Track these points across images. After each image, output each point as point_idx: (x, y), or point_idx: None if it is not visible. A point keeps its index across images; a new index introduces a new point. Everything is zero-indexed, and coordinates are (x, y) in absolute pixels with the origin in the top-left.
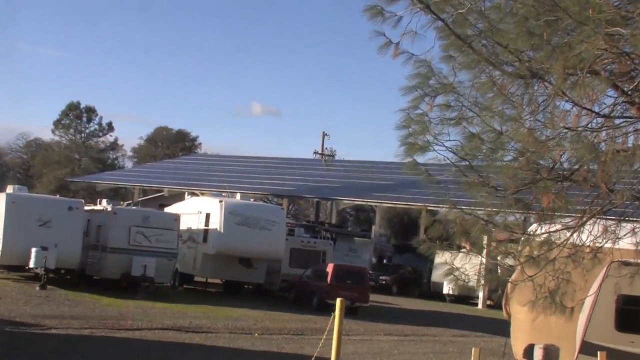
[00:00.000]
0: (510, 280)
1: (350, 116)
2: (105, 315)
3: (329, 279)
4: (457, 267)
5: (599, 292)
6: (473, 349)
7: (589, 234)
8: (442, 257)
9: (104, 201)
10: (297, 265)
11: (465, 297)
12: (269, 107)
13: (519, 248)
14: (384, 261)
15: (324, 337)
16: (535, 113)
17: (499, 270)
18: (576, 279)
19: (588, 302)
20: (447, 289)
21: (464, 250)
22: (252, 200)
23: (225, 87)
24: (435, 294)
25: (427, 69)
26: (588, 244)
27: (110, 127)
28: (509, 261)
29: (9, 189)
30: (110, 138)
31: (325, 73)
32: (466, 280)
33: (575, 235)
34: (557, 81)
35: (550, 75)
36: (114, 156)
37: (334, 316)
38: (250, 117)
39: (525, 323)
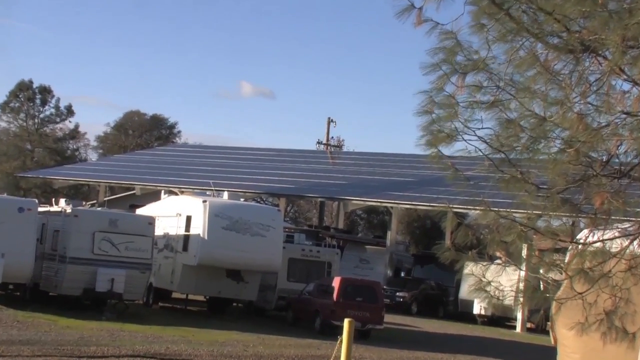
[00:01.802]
0: (555, 298)
1: (361, 99)
2: (64, 339)
3: (335, 295)
4: (490, 281)
5: None
6: None
7: None
8: (471, 270)
9: (63, 201)
10: (296, 278)
11: (500, 318)
12: (260, 88)
13: (566, 259)
14: (402, 274)
15: None
16: (586, 95)
17: (542, 286)
18: (637, 298)
19: None
20: (478, 308)
21: (498, 261)
22: (242, 200)
23: (209, 63)
24: (463, 314)
25: (454, 41)
26: None
27: (69, 112)
28: (554, 275)
29: None
30: (69, 124)
31: (328, 45)
32: (501, 298)
33: (635, 243)
34: (613, 55)
35: (606, 49)
36: (75, 146)
37: (341, 341)
38: (239, 99)
39: (574, 351)
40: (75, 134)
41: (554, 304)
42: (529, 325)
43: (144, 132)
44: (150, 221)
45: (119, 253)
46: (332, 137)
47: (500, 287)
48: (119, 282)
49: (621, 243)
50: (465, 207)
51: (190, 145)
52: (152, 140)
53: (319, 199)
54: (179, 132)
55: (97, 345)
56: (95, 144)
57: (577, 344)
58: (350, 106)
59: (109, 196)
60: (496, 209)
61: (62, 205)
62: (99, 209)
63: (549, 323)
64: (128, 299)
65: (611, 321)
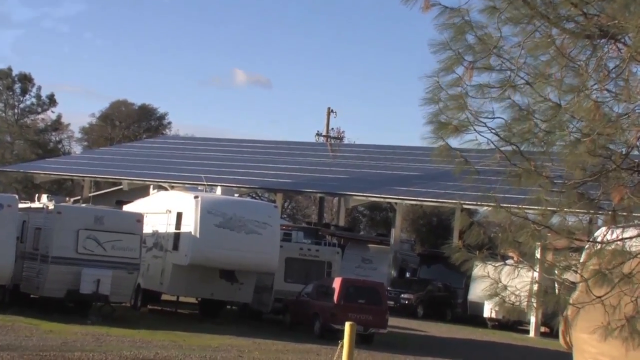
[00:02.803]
0: (571, 301)
1: (363, 88)
2: (46, 345)
3: (335, 297)
4: (505, 286)
5: None
6: None
7: None
8: (482, 271)
9: (45, 197)
10: (294, 279)
11: (512, 322)
12: (256, 76)
13: (582, 259)
14: (407, 275)
15: None
16: (604, 82)
17: (557, 289)
18: None
19: None
20: (488, 311)
21: (510, 261)
22: (236, 195)
23: (200, 50)
24: (473, 317)
25: (461, 19)
26: None
27: (52, 101)
28: (570, 277)
29: None
30: (52, 115)
31: (329, 32)
32: (516, 302)
33: None
34: (633, 41)
35: (625, 34)
36: (57, 139)
37: (342, 345)
38: (232, 88)
39: (593, 356)
40: (57, 125)
41: (569, 308)
42: (543, 329)
43: (132, 123)
44: (138, 218)
45: (105, 252)
46: (332, 129)
47: (517, 292)
48: (105, 283)
49: None
50: (476, 203)
51: (181, 137)
52: (141, 131)
53: (319, 195)
54: (169, 123)
55: (82, 351)
56: (79, 135)
57: (596, 348)
58: (351, 96)
59: (94, 192)
60: (508, 206)
61: (44, 201)
62: (83, 205)
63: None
64: (115, 302)
65: (633, 326)
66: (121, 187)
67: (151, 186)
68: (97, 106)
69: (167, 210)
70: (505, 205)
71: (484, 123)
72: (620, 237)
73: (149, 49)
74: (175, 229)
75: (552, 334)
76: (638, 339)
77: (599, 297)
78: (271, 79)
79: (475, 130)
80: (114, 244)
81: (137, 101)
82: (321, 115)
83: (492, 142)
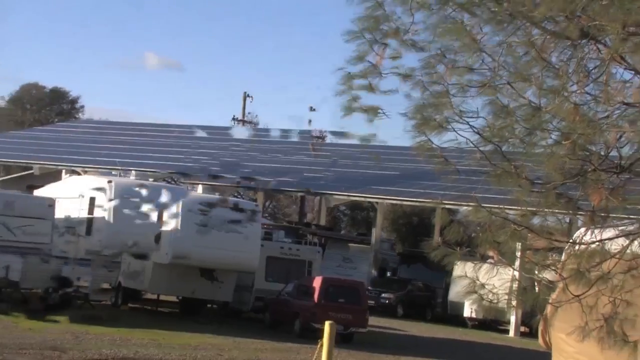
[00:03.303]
0: (550, 300)
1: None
2: (25, 342)
3: (315, 296)
4: (483, 284)
5: None
6: None
7: None
8: (462, 270)
9: None
10: (275, 278)
11: (492, 321)
12: (167, 59)
13: (562, 259)
14: (388, 274)
15: None
16: (584, 84)
17: (536, 288)
18: (638, 300)
19: None
20: (468, 310)
21: (490, 261)
22: (151, 180)
23: (110, 33)
24: (453, 317)
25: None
26: None
27: None
28: (549, 276)
29: None
30: None
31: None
32: (494, 301)
33: (636, 243)
34: (613, 42)
35: (606, 35)
36: None
37: (322, 345)
38: (144, 71)
39: (571, 356)
40: None
41: (548, 308)
42: (522, 329)
43: (43, 107)
44: (50, 203)
45: (15, 238)
46: (249, 113)
47: (494, 290)
48: (15, 269)
49: (622, 244)
50: (456, 202)
51: (95, 121)
52: (52, 115)
53: (300, 194)
54: (82, 107)
55: (60, 350)
56: None
57: (574, 348)
58: (265, 80)
59: (3, 176)
60: (488, 206)
61: None
62: None
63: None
64: (25, 288)
65: (610, 326)
66: (32, 171)
67: (64, 170)
68: (6, 89)
69: (80, 195)
70: (485, 205)
71: (466, 121)
72: (598, 238)
73: (60, 31)
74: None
75: (532, 333)
76: (614, 339)
77: (577, 296)
78: (183, 63)
79: (454, 130)
80: (25, 229)
81: (48, 84)
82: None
83: (471, 142)
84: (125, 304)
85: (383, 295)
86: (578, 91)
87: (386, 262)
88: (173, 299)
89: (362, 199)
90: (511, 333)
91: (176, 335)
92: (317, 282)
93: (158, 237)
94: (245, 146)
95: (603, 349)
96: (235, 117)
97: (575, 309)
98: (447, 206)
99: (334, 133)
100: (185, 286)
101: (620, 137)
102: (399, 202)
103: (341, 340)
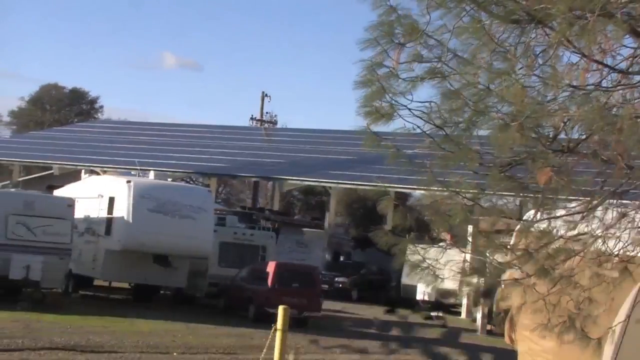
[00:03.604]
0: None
1: (297, 72)
2: None
3: (269, 281)
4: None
5: (629, 319)
6: None
7: (601, 222)
8: (414, 254)
9: None
10: (229, 264)
11: (444, 304)
12: (185, 59)
13: (512, 241)
14: (341, 259)
15: (263, 355)
16: (532, 67)
17: (487, 269)
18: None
19: (616, 332)
20: (421, 294)
21: (443, 244)
22: (170, 180)
23: (129, 33)
24: (406, 300)
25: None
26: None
27: None
28: (500, 257)
29: None
30: None
31: (259, 15)
32: (439, 275)
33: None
34: (560, 26)
35: (552, 19)
36: None
37: (276, 329)
38: (162, 71)
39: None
40: None
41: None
42: (489, 327)
43: (63, 107)
44: (69, 203)
45: (35, 238)
46: (267, 113)
47: (438, 266)
48: (36, 269)
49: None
50: (407, 186)
51: (114, 121)
52: (72, 115)
53: (253, 179)
54: (101, 107)
55: (11, 338)
56: (8, 119)
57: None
58: (284, 80)
59: (23, 176)
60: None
61: None
62: (12, 190)
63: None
64: (46, 287)
65: (572, 323)
66: (52, 171)
67: (83, 171)
68: (27, 89)
69: (99, 195)
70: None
71: (406, 107)
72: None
73: (79, 32)
74: (108, 214)
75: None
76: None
77: (543, 294)
78: (201, 63)
79: (400, 115)
80: (45, 229)
81: (68, 85)
82: (253, 99)
83: (420, 128)
84: (76, 292)
85: (337, 279)
86: (526, 74)
87: (340, 247)
88: (125, 285)
89: (316, 183)
90: (463, 315)
91: (129, 322)
92: (271, 267)
93: (109, 225)
94: (261, 145)
95: (562, 344)
96: (253, 116)
97: (539, 307)
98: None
99: None
100: (138, 273)
101: (568, 119)
102: (352, 186)
103: (295, 324)
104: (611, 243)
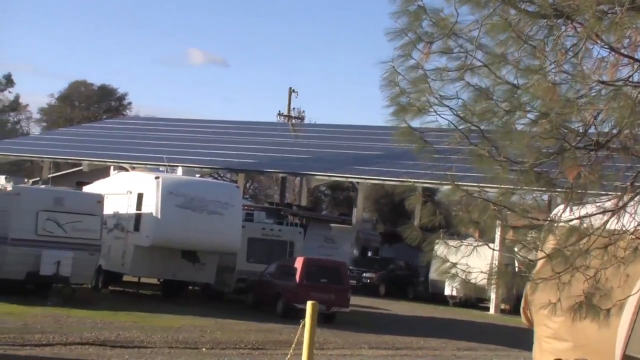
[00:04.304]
0: (531, 278)
1: (322, 67)
2: (5, 327)
3: (297, 277)
4: (454, 263)
5: None
6: None
7: (632, 218)
8: (439, 251)
9: (3, 178)
10: (257, 259)
11: (473, 299)
12: (212, 55)
13: (541, 237)
14: (369, 254)
15: (292, 351)
16: (561, 62)
17: (517, 266)
18: (612, 278)
19: (631, 305)
20: (449, 289)
21: (470, 239)
22: (198, 176)
23: (155, 29)
24: (435, 295)
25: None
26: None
27: (9, 82)
28: (529, 254)
29: None
30: (9, 95)
31: (286, 10)
32: (471, 280)
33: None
34: (589, 21)
35: (581, 14)
36: (16, 119)
37: (304, 325)
38: (189, 67)
39: (553, 332)
40: (15, 105)
41: (528, 285)
42: (503, 306)
43: (92, 104)
44: (98, 199)
45: (65, 234)
46: (294, 108)
47: (469, 268)
48: (66, 264)
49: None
50: (434, 182)
51: (142, 117)
52: (101, 112)
53: (280, 175)
54: (130, 103)
55: (42, 333)
56: (38, 116)
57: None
58: (311, 76)
59: (53, 173)
60: (466, 184)
61: (2, 182)
62: (42, 186)
63: (522, 304)
64: (75, 283)
65: (589, 302)
66: (81, 168)
67: (112, 167)
68: (56, 87)
69: (128, 191)
70: (465, 184)
71: (447, 105)
72: (577, 215)
73: (106, 28)
74: (137, 209)
75: (512, 311)
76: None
77: (558, 273)
78: (227, 58)
79: (436, 112)
80: (74, 225)
81: (96, 82)
82: (281, 95)
83: (453, 123)
84: (106, 287)
85: (365, 274)
86: (555, 69)
87: (368, 242)
88: (154, 281)
89: (343, 179)
90: (491, 310)
91: (158, 317)
92: (299, 263)
93: (138, 221)
94: (289, 141)
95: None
96: (280, 112)
97: (553, 286)
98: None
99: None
100: (166, 268)
101: (597, 115)
102: (380, 182)
103: (323, 320)
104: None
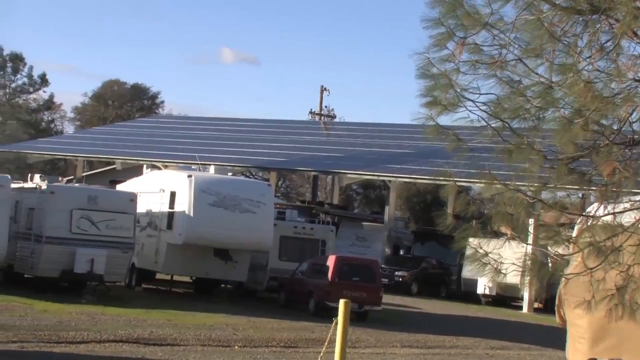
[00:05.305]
0: (564, 275)
1: (353, 65)
2: (41, 324)
3: (330, 275)
4: (487, 252)
5: None
6: None
7: None
8: (475, 246)
9: (38, 177)
10: (289, 258)
11: (505, 298)
12: (243, 54)
13: (574, 233)
14: (401, 252)
15: (324, 349)
16: (596, 58)
17: (550, 263)
18: None
19: None
20: (482, 287)
21: (503, 237)
22: (230, 174)
23: (187, 28)
24: (467, 294)
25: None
26: None
27: (43, 81)
28: (562, 251)
29: None
30: (44, 95)
31: (316, 8)
32: (502, 270)
33: None
34: (625, 17)
35: (617, 10)
36: (50, 118)
37: (337, 323)
38: (220, 66)
39: (587, 331)
40: (50, 104)
41: (562, 282)
42: (536, 305)
43: (125, 103)
44: (131, 197)
45: (99, 232)
46: (325, 107)
47: (500, 259)
48: (100, 262)
49: (635, 217)
50: (468, 180)
51: (174, 116)
52: (134, 111)
53: (312, 173)
54: (162, 102)
55: (76, 330)
56: (72, 115)
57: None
58: (340, 74)
59: (87, 171)
60: (500, 183)
61: (37, 181)
62: (76, 185)
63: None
64: (109, 281)
65: (622, 297)
66: (114, 166)
67: (144, 165)
68: (90, 85)
69: (160, 190)
70: (498, 180)
71: (472, 101)
72: (611, 211)
73: (139, 28)
74: (169, 208)
75: (545, 309)
76: (622, 309)
77: (591, 269)
78: (259, 57)
79: (466, 107)
80: (108, 224)
81: (129, 80)
82: (312, 93)
83: (484, 119)
84: (139, 285)
85: (397, 273)
86: (590, 67)
87: (400, 241)
88: (187, 279)
89: (375, 177)
90: (525, 309)
91: (191, 315)
92: (331, 261)
93: (171, 219)
94: (320, 140)
95: (610, 320)
96: (312, 110)
97: (586, 284)
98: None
99: None
100: (199, 266)
101: (633, 111)
102: (412, 180)
103: (355, 318)
104: None
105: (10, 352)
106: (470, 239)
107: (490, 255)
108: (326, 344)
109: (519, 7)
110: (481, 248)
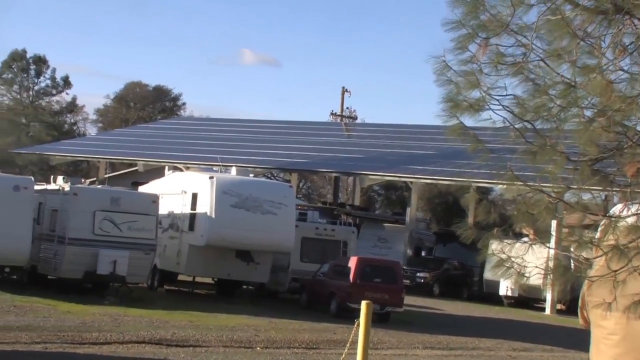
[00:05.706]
0: (587, 277)
1: (374, 66)
2: (64, 325)
3: (351, 276)
4: (510, 257)
5: None
6: None
7: None
8: (495, 249)
9: (60, 179)
10: (310, 259)
11: (528, 299)
12: (263, 56)
13: (598, 235)
14: (423, 254)
15: (346, 350)
16: (619, 59)
17: (572, 265)
18: None
19: None
20: (504, 289)
21: (525, 239)
22: (251, 176)
23: (208, 30)
24: (489, 295)
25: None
26: None
27: (66, 83)
28: (586, 253)
29: None
30: (67, 97)
31: (336, 9)
32: (526, 274)
33: None
34: None
35: None
36: (73, 120)
37: (358, 324)
38: (240, 67)
39: (611, 333)
40: (73, 107)
41: (585, 284)
42: (559, 306)
43: (147, 105)
44: (153, 199)
45: (121, 233)
46: (347, 108)
47: (523, 263)
48: (122, 264)
49: None
50: (489, 181)
51: (196, 117)
52: (156, 112)
53: (333, 174)
54: (184, 104)
55: (99, 331)
56: (94, 117)
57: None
58: (361, 75)
59: (109, 173)
60: (522, 182)
61: (60, 183)
62: (99, 186)
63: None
64: (131, 282)
65: None
66: (137, 168)
67: (166, 167)
68: (112, 88)
69: (182, 191)
70: (520, 181)
71: (498, 101)
72: (634, 212)
73: (160, 29)
74: (191, 209)
75: (569, 311)
76: None
77: (615, 271)
78: (279, 59)
79: (490, 108)
80: (130, 225)
81: (151, 82)
82: (333, 94)
83: (507, 120)
84: (161, 287)
85: (419, 274)
86: (613, 67)
87: (422, 242)
88: (209, 280)
89: (396, 178)
90: (547, 311)
91: (213, 316)
92: (352, 262)
93: (193, 220)
94: (341, 141)
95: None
96: (333, 112)
97: (610, 286)
98: (479, 185)
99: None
100: (221, 268)
101: None
102: (433, 181)
103: (377, 319)
104: None
105: (34, 352)
106: (494, 244)
107: (511, 257)
108: (348, 345)
109: (540, 10)
110: (503, 253)
